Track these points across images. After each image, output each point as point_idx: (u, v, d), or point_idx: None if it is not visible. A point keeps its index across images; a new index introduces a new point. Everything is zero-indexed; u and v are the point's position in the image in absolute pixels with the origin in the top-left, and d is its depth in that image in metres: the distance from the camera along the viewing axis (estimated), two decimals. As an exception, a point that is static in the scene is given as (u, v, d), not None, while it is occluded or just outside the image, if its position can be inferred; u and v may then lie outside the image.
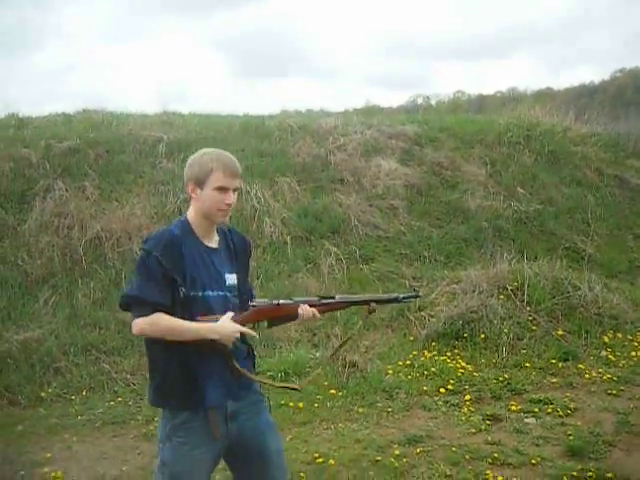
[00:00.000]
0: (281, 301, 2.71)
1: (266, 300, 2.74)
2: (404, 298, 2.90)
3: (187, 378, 2.50)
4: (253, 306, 2.69)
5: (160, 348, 2.52)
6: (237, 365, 2.58)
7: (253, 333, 2.61)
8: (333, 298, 2.81)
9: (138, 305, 2.45)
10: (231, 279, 2.63)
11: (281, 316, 2.72)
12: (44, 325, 6.48)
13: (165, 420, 2.61)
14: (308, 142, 9.71)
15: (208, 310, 2.51)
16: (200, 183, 2.54)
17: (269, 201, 8.36)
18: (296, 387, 3.07)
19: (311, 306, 2.70)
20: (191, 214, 2.61)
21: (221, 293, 2.57)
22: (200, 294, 2.52)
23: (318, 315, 2.71)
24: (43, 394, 5.76)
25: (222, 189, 2.55)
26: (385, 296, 3.05)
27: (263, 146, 9.53)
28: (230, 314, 2.53)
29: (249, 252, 2.82)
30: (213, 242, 2.64)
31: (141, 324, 2.43)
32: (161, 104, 13.95)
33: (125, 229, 7.52)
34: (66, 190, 8.05)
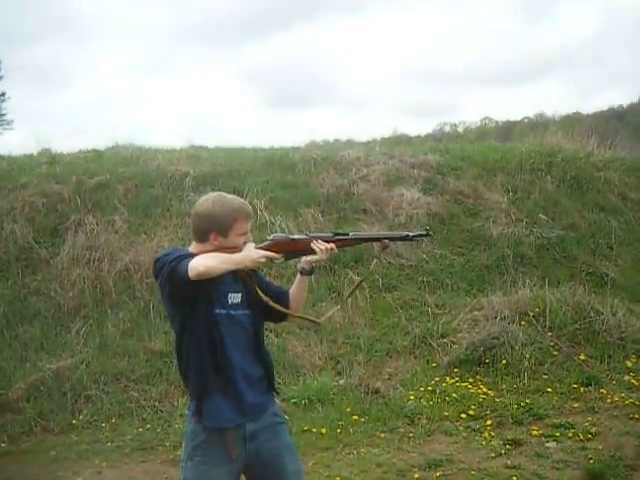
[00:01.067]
0: (296, 236, 2.92)
1: (282, 235, 2.99)
2: (414, 236, 3.05)
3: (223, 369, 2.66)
4: (270, 239, 2.86)
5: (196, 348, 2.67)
6: (260, 292, 2.76)
7: (277, 256, 2.79)
8: (347, 234, 2.97)
9: (183, 257, 2.57)
10: (235, 298, 2.74)
11: (297, 250, 2.86)
12: (75, 354, 6.69)
13: (187, 439, 2.73)
14: (331, 173, 9.88)
15: (214, 326, 2.65)
16: (223, 233, 2.69)
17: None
18: (315, 320, 3.28)
19: (326, 242, 2.83)
20: (200, 249, 2.71)
21: (223, 311, 2.69)
22: (212, 310, 2.66)
23: (336, 249, 2.84)
24: (74, 421, 5.96)
25: (244, 233, 2.74)
26: (397, 233, 3.26)
27: (287, 178, 9.72)
28: (252, 244, 2.73)
29: (257, 274, 2.91)
30: None
31: (196, 261, 2.51)
32: (188, 138, 14.31)
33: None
34: (96, 224, 8.31)
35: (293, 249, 2.86)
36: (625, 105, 47.11)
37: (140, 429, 5.81)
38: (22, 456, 5.45)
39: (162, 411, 6.10)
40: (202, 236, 2.73)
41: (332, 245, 2.82)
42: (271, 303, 2.79)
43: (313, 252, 2.82)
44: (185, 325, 2.67)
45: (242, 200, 2.82)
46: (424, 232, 3.09)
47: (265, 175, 9.65)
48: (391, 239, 3.06)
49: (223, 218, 2.69)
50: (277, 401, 2.91)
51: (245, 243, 2.73)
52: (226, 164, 9.96)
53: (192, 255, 2.58)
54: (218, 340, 2.64)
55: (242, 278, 2.76)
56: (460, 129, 47.11)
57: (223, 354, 2.65)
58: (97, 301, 7.46)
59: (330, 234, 2.91)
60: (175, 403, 6.18)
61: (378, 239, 3.04)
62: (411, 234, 3.04)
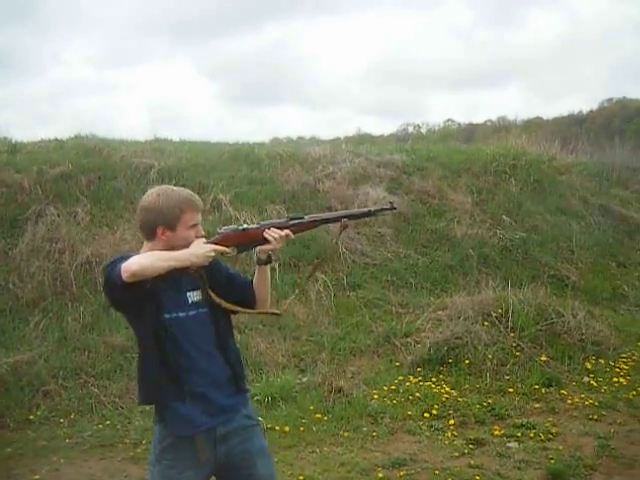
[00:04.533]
0: (246, 226, 2.71)
1: (232, 226, 2.74)
2: (376, 211, 2.87)
3: (175, 380, 2.55)
4: (220, 233, 2.69)
5: (148, 361, 2.58)
6: (211, 293, 2.62)
7: (227, 250, 2.63)
8: (302, 218, 2.78)
9: (119, 260, 2.46)
10: (195, 296, 2.64)
11: (249, 241, 2.69)
12: (34, 348, 6.54)
13: (155, 443, 2.64)
14: (297, 170, 9.86)
15: (164, 332, 2.54)
16: (171, 226, 2.57)
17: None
18: (276, 312, 3.05)
19: (282, 228, 2.67)
20: (149, 248, 2.62)
21: (180, 314, 2.58)
22: (160, 315, 2.54)
23: (291, 235, 2.68)
24: (32, 417, 5.81)
25: (194, 226, 2.62)
26: (357, 211, 3.02)
27: (253, 174, 9.67)
28: (202, 240, 2.59)
29: (214, 267, 2.75)
30: None
31: (129, 262, 2.39)
32: (153, 130, 14.15)
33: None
34: (58, 215, 8.14)
35: (245, 240, 2.69)
36: (585, 111, 47.97)
37: (100, 425, 5.70)
38: (-24, 452, 5.31)
39: (122, 407, 5.99)
40: (150, 232, 2.60)
41: (287, 231, 2.67)
42: (224, 304, 2.66)
43: (267, 241, 2.67)
44: (135, 333, 2.58)
45: (190, 191, 2.69)
46: (388, 206, 2.91)
47: (231, 170, 9.58)
48: (351, 217, 2.84)
49: (170, 210, 2.56)
50: (249, 402, 2.82)
51: (197, 237, 2.61)
52: (191, 158, 9.87)
53: (131, 256, 2.46)
54: (170, 346, 2.53)
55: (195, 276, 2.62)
56: (423, 130, 47.48)
57: (177, 360, 2.54)
58: (57, 294, 7.30)
59: (284, 219, 2.75)
60: (136, 399, 6.05)
61: (337, 219, 2.79)
62: (373, 209, 2.87)
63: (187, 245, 2.57)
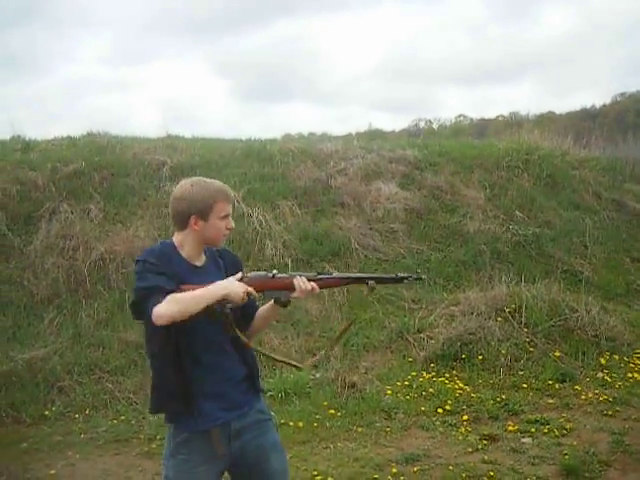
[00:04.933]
0: (276, 272, 2.70)
1: (261, 272, 2.74)
2: (402, 277, 2.84)
3: (185, 395, 2.54)
4: (248, 276, 2.67)
5: (160, 363, 2.58)
6: (237, 331, 2.61)
7: (256, 294, 2.61)
8: (331, 274, 2.82)
9: (151, 294, 2.43)
10: None
11: (277, 288, 2.68)
12: (49, 345, 6.58)
13: (169, 437, 2.65)
14: (309, 166, 9.86)
15: (183, 336, 2.53)
16: (204, 215, 2.60)
17: (270, 224, 8.49)
18: (299, 365, 3.12)
19: (310, 281, 2.67)
20: (178, 240, 2.66)
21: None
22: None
23: (317, 289, 2.66)
24: (47, 412, 5.86)
25: (226, 216, 2.65)
26: (384, 275, 3.03)
27: (265, 170, 9.68)
28: (238, 275, 2.58)
29: (240, 266, 2.80)
30: (198, 261, 2.68)
31: (161, 309, 2.38)
32: (165, 127, 14.16)
33: (129, 251, 7.64)
34: (71, 212, 8.19)
35: (273, 286, 2.68)
36: (598, 106, 47.63)
37: (114, 421, 5.73)
38: (-7, 448, 5.35)
39: (137, 403, 6.03)
40: (182, 221, 2.64)
41: (314, 285, 2.65)
42: (243, 338, 2.66)
43: (293, 289, 2.65)
44: (152, 337, 2.57)
45: (222, 183, 2.72)
46: (415, 275, 2.88)
47: (243, 167, 9.60)
48: (378, 280, 2.83)
49: (203, 200, 2.60)
50: (263, 398, 2.84)
51: (228, 228, 2.66)
52: (204, 155, 9.90)
53: (158, 289, 2.43)
54: (188, 348, 2.54)
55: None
56: (435, 126, 47.30)
57: (193, 363, 2.56)
58: (71, 291, 7.35)
59: (314, 273, 2.74)
60: (148, 408, 6.09)
61: (364, 280, 2.79)
62: (399, 275, 2.84)
63: (218, 235, 2.64)
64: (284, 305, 2.72)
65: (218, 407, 2.59)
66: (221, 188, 2.67)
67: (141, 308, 2.45)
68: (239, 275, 2.59)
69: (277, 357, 2.95)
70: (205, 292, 2.46)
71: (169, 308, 2.38)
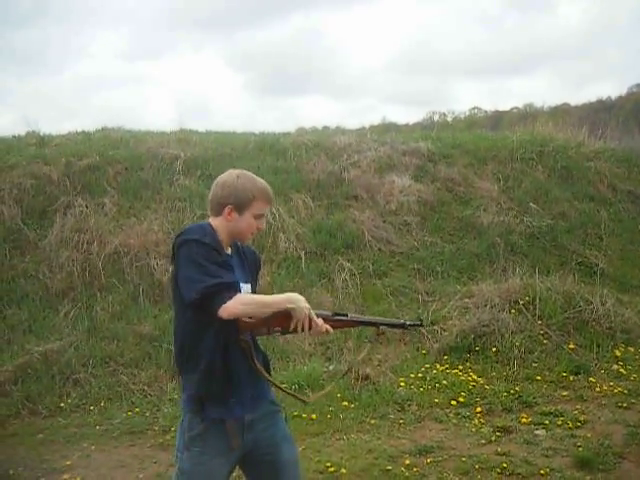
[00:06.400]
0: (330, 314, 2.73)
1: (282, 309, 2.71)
2: (409, 325, 2.98)
3: (229, 379, 2.57)
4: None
5: (211, 353, 2.56)
6: (257, 364, 2.62)
7: (322, 324, 2.60)
8: (346, 316, 2.84)
9: (224, 289, 2.43)
10: (246, 288, 2.66)
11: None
12: (64, 337, 6.64)
13: (182, 430, 2.66)
14: (323, 159, 9.85)
15: (229, 331, 2.53)
16: (240, 208, 2.60)
17: (284, 217, 8.49)
18: (304, 399, 3.14)
19: (325, 321, 2.68)
20: (216, 224, 2.64)
21: None
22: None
23: (331, 330, 2.68)
24: (62, 404, 5.91)
25: (260, 216, 2.65)
26: (393, 321, 3.16)
27: (278, 163, 9.68)
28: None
29: (259, 266, 2.89)
30: (227, 251, 2.69)
31: (232, 307, 2.40)
32: (179, 121, 14.21)
33: (143, 244, 7.69)
34: (86, 206, 8.24)
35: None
36: (613, 97, 47.22)
37: (129, 413, 5.77)
38: (9, 439, 5.39)
39: (151, 395, 6.07)
40: (218, 208, 2.63)
41: (328, 327, 2.65)
42: (259, 369, 2.64)
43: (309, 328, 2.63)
44: (200, 328, 2.55)
45: (266, 183, 2.71)
46: (418, 322, 3.09)
47: (256, 160, 9.60)
48: (388, 326, 3.00)
49: (244, 192, 2.60)
50: (272, 388, 2.85)
51: (259, 228, 2.67)
52: (217, 148, 9.90)
53: (227, 285, 2.43)
54: (231, 345, 2.56)
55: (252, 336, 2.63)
56: (449, 118, 47.03)
57: (233, 357, 2.57)
58: (86, 284, 7.40)
59: (329, 313, 2.76)
60: (164, 387, 6.14)
61: (375, 324, 2.91)
62: (407, 323, 2.97)
63: (248, 231, 2.65)
64: (283, 334, 2.72)
65: (234, 401, 2.60)
66: (265, 188, 2.67)
67: (207, 303, 2.43)
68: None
69: (287, 391, 2.96)
70: (273, 300, 2.50)
71: (240, 308, 2.42)
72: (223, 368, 2.56)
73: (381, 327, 2.90)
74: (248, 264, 2.77)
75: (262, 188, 2.65)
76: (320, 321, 2.61)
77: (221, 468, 2.63)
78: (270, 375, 2.81)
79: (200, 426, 2.59)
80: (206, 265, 2.46)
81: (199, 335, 2.56)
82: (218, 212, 2.64)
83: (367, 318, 3.10)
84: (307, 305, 2.54)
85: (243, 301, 2.44)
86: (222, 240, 2.63)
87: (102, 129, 11.26)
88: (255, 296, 2.51)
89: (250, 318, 2.51)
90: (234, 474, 2.77)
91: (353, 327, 3.18)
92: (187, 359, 2.61)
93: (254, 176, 2.69)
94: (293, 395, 3.06)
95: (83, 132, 11.06)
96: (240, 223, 2.62)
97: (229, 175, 2.67)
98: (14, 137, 10.77)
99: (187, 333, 2.60)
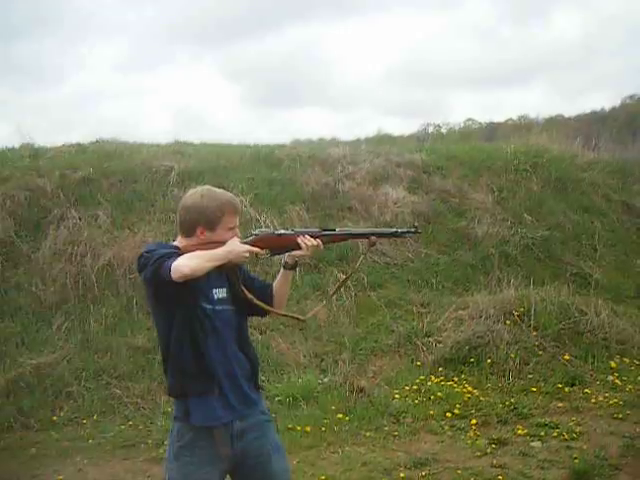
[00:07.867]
0: (281, 231, 2.82)
1: (267, 230, 2.87)
2: (403, 232, 3.00)
3: (207, 374, 2.60)
4: (255, 234, 2.78)
5: (178, 348, 2.60)
6: (244, 289, 2.70)
7: (262, 252, 2.71)
8: (334, 230, 2.91)
9: (166, 258, 2.48)
10: (220, 293, 2.69)
11: (282, 245, 2.79)
12: (57, 350, 6.60)
13: (172, 439, 2.67)
14: (317, 171, 9.84)
15: (198, 323, 2.60)
16: (211, 227, 2.63)
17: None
18: (300, 318, 3.17)
19: (313, 237, 2.76)
20: (183, 245, 2.66)
21: (209, 306, 2.63)
22: (196, 306, 2.60)
23: (322, 246, 2.77)
24: (55, 418, 5.88)
25: (232, 228, 2.68)
26: (385, 230, 3.22)
27: (273, 175, 9.67)
28: (237, 239, 2.65)
29: (241, 269, 2.85)
30: None
31: (179, 263, 2.42)
32: (174, 133, 14.22)
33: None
34: (79, 219, 8.22)
35: (278, 244, 2.80)
36: (607, 108, 47.35)
37: (122, 426, 5.74)
38: (1, 453, 5.36)
39: (144, 408, 6.03)
40: (189, 230, 2.66)
41: (318, 241, 2.76)
42: (255, 301, 2.73)
43: (298, 247, 2.75)
44: (170, 323, 2.60)
45: (231, 194, 2.76)
46: (412, 229, 3.04)
47: (251, 172, 9.59)
48: (379, 235, 3.02)
49: (211, 211, 2.63)
50: (263, 398, 2.84)
51: (232, 238, 2.67)
52: (212, 160, 9.89)
53: (176, 253, 2.51)
54: (201, 339, 2.59)
55: (226, 273, 2.69)
56: (444, 130, 47.03)
57: (206, 353, 2.59)
58: (79, 296, 7.36)
59: (317, 229, 2.85)
60: (158, 400, 6.11)
61: (365, 235, 2.96)
62: (400, 230, 3.01)
63: (220, 245, 2.63)
64: (293, 267, 2.84)
65: (223, 405, 2.61)
66: (230, 200, 2.70)
67: (158, 276, 2.47)
68: (236, 239, 2.64)
69: (279, 313, 2.99)
70: (216, 253, 2.53)
71: (187, 263, 2.43)
72: (194, 360, 2.58)
73: (371, 237, 2.90)
74: (226, 272, 2.73)
75: (227, 202, 2.68)
76: (307, 236, 2.75)
77: (211, 477, 2.63)
78: (258, 379, 2.81)
79: (189, 435, 2.60)
80: (153, 249, 2.58)
81: (168, 330, 2.61)
82: (189, 233, 2.67)
83: (357, 230, 3.13)
84: (244, 247, 2.61)
85: (185, 256, 2.47)
86: None
87: (97, 141, 11.24)
88: (197, 252, 2.52)
89: None
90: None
91: (344, 241, 3.08)
92: (164, 359, 2.68)
93: (216, 190, 2.73)
94: (288, 315, 3.16)
95: (78, 144, 11.01)
96: (213, 239, 2.64)
97: (193, 197, 2.69)
98: (8, 149, 10.73)
99: (160, 332, 2.67)
